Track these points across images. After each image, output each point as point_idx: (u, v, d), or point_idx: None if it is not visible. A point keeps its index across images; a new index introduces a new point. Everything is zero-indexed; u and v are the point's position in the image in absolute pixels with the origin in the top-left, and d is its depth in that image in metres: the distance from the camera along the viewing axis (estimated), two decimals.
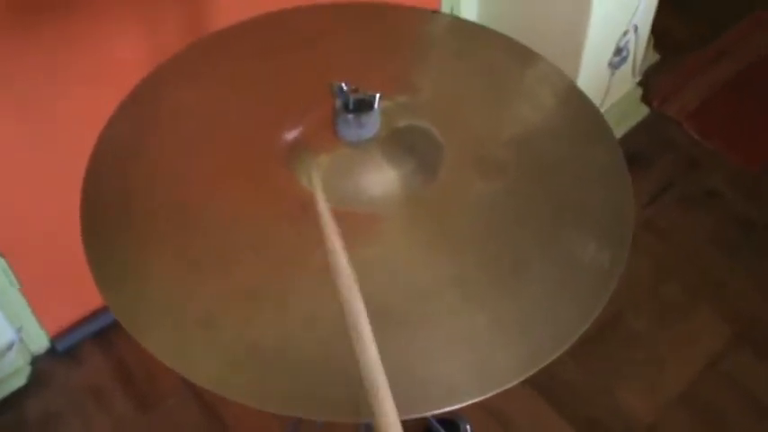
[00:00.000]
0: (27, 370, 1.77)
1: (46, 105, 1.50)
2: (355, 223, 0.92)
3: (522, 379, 0.81)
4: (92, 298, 1.80)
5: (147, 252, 0.91)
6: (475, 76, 1.13)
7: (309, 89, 1.04)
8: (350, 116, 0.93)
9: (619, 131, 2.25)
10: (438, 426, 1.54)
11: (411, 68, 1.16)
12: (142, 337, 0.84)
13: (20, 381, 1.77)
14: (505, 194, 0.98)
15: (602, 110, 2.10)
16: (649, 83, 2.35)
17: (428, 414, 0.80)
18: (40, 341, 1.80)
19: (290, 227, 0.92)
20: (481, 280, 0.89)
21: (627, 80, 2.20)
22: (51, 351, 1.83)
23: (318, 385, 0.81)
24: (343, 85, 0.93)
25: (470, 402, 0.79)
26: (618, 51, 2.03)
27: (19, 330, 1.73)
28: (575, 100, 1.11)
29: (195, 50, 1.15)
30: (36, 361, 1.80)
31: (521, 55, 1.15)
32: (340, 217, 0.90)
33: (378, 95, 0.93)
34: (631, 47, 2.07)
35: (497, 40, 1.18)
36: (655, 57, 2.45)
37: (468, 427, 1.57)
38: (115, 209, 0.95)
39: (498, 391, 0.80)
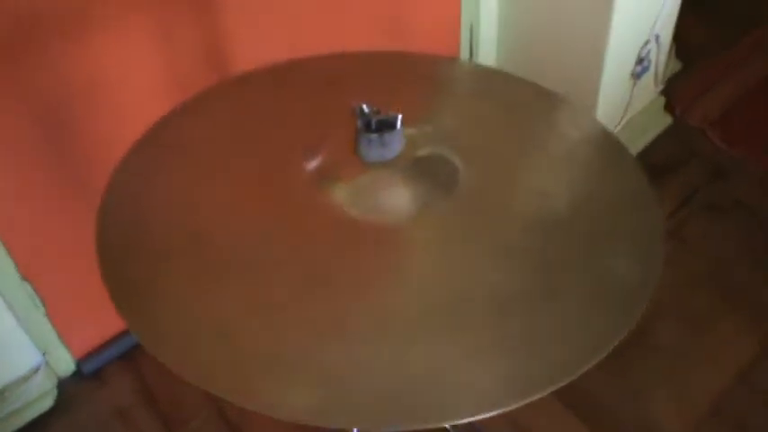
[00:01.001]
0: (53, 393, 1.78)
1: (66, 129, 1.51)
2: (377, 236, 0.93)
3: (551, 390, 0.80)
4: (116, 320, 1.79)
5: (162, 266, 0.92)
6: (496, 111, 1.14)
7: (330, 118, 1.05)
8: (373, 136, 0.92)
9: (642, 141, 2.24)
10: None
11: (431, 113, 1.16)
12: (161, 351, 0.85)
13: (46, 404, 1.77)
14: (531, 220, 0.98)
15: (626, 120, 2.09)
16: (672, 91, 2.33)
17: (457, 423, 0.79)
18: (65, 364, 1.81)
19: (312, 240, 0.93)
20: (515, 291, 0.89)
21: (649, 90, 2.19)
22: (77, 374, 1.83)
23: (343, 394, 0.81)
24: (365, 106, 0.92)
25: (499, 412, 0.79)
26: (640, 61, 2.02)
27: (45, 354, 1.73)
28: (595, 131, 1.12)
29: (216, 89, 1.17)
30: (62, 384, 1.80)
31: (541, 94, 1.16)
32: (363, 230, 0.90)
33: (400, 115, 0.93)
34: (653, 56, 2.06)
35: (516, 83, 1.19)
36: (677, 65, 2.43)
37: None
38: (130, 232, 0.97)
39: (527, 401, 0.79)
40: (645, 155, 2.24)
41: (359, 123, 0.93)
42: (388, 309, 0.87)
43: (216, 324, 0.86)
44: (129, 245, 0.94)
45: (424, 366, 0.82)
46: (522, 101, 1.16)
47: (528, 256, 0.93)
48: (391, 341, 0.84)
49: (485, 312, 0.87)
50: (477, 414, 0.79)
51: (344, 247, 0.92)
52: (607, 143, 1.09)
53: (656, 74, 2.14)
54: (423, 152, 1.00)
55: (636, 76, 2.05)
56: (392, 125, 0.92)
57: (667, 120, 2.33)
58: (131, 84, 1.53)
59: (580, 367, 0.82)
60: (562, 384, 0.81)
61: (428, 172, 0.97)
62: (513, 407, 0.79)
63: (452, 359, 0.83)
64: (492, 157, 1.05)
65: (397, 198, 0.95)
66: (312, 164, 0.99)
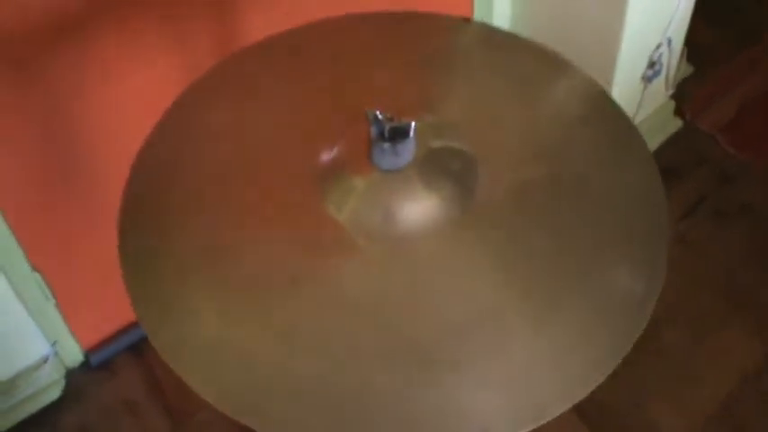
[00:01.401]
0: (61, 383, 1.79)
1: (81, 123, 1.52)
2: (391, 255, 0.93)
3: (557, 414, 0.81)
4: (125, 311, 1.79)
5: (186, 287, 0.92)
6: (508, 89, 1.12)
7: (342, 108, 1.04)
8: (386, 145, 0.93)
9: (652, 145, 2.24)
10: None
11: (443, 80, 1.15)
12: (182, 370, 0.85)
13: (54, 394, 1.78)
14: (540, 216, 0.98)
15: (635, 123, 2.08)
16: (683, 96, 2.33)
17: None
18: (74, 355, 1.82)
19: (327, 260, 0.93)
20: (517, 311, 0.89)
21: (660, 93, 2.19)
22: (85, 365, 1.84)
23: (357, 420, 0.81)
24: (378, 113, 0.93)
25: None
26: (651, 65, 2.02)
27: (54, 344, 1.74)
28: (610, 115, 1.10)
29: (225, 68, 1.16)
30: (70, 374, 1.82)
31: (554, 65, 1.14)
32: (377, 250, 0.91)
33: (413, 123, 0.93)
34: (665, 60, 2.05)
35: (530, 50, 1.17)
36: (688, 69, 2.43)
37: None
38: (152, 238, 0.96)
39: (535, 426, 0.80)
40: (654, 158, 2.24)
41: (372, 132, 0.93)
42: (400, 334, 0.87)
43: (238, 347, 0.87)
44: (152, 254, 0.94)
45: (434, 394, 0.82)
46: (535, 74, 1.14)
47: (530, 273, 0.93)
48: (404, 369, 0.84)
49: (488, 339, 0.87)
50: None
51: (360, 264, 0.92)
52: (624, 133, 1.07)
53: (667, 77, 2.14)
54: (435, 144, 0.99)
55: (647, 79, 2.05)
56: (405, 133, 0.93)
57: (677, 124, 2.33)
58: (140, 74, 1.54)
59: (585, 389, 0.83)
60: (566, 409, 0.82)
61: (443, 173, 0.97)
62: None
63: (456, 391, 0.83)
64: (501, 147, 1.04)
65: (413, 210, 0.95)
66: (327, 162, 0.99)
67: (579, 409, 1.73)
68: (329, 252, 0.93)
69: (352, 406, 0.82)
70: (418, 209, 0.94)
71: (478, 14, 2.06)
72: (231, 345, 0.87)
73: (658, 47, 2.00)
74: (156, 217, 0.98)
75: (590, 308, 0.89)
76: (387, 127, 0.93)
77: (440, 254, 0.94)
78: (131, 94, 1.54)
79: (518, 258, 0.94)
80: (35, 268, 1.62)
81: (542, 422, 0.80)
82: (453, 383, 0.83)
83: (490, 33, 1.31)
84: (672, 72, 2.14)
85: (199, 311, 0.90)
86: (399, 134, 0.93)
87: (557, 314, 0.89)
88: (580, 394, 0.82)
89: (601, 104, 1.12)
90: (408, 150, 0.94)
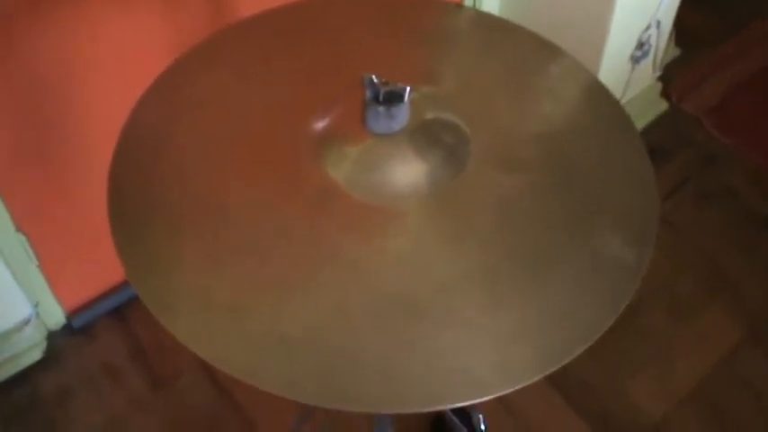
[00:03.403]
0: (42, 345, 1.79)
1: (68, 85, 1.51)
2: (382, 216, 0.93)
3: (545, 374, 0.81)
4: (108, 275, 1.82)
5: (176, 240, 0.92)
6: (500, 69, 1.14)
7: (336, 79, 1.05)
8: (380, 108, 0.93)
9: (638, 125, 2.24)
10: (451, 414, 1.54)
11: (436, 60, 1.16)
12: (171, 323, 0.84)
13: (35, 356, 1.78)
14: (531, 190, 0.98)
15: (622, 103, 2.09)
16: (669, 78, 2.34)
17: (451, 407, 0.81)
18: (56, 317, 1.82)
19: (319, 217, 0.93)
20: (506, 275, 0.89)
21: (647, 74, 2.20)
22: (67, 327, 1.84)
23: (346, 377, 0.81)
24: (374, 77, 0.93)
25: (494, 396, 0.80)
26: (640, 46, 2.03)
27: (36, 306, 1.74)
28: (599, 96, 1.11)
29: (219, 39, 1.15)
30: (51, 337, 1.82)
31: (545, 49, 1.15)
32: (367, 210, 0.91)
33: (408, 88, 0.93)
34: (653, 41, 2.06)
35: (521, 35, 1.18)
36: (676, 51, 2.44)
37: (479, 416, 1.58)
38: (143, 198, 0.96)
39: (522, 385, 0.80)
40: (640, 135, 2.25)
41: (367, 95, 0.93)
42: (390, 291, 0.87)
43: (228, 300, 0.87)
44: (142, 214, 0.94)
45: (424, 351, 0.83)
46: (524, 57, 1.16)
47: (523, 235, 0.93)
48: (392, 326, 0.85)
49: (478, 298, 0.88)
50: (472, 399, 0.80)
51: (352, 224, 0.92)
52: (612, 114, 1.08)
53: (654, 59, 2.15)
54: (428, 116, 1.00)
55: (635, 60, 2.06)
56: (400, 97, 0.93)
57: (663, 106, 2.34)
58: (128, 37, 1.53)
59: (573, 352, 0.83)
60: (554, 369, 0.82)
61: (432, 142, 0.98)
62: (507, 392, 0.80)
63: (450, 344, 0.84)
64: (493, 123, 1.05)
65: (405, 174, 0.95)
66: (320, 127, 0.99)
67: (560, 388, 1.75)
68: (320, 209, 0.93)
69: (341, 361, 0.82)
70: (410, 173, 0.95)
71: None
72: (219, 298, 0.87)
73: (647, 28, 2.01)
74: (147, 176, 0.98)
75: (581, 272, 0.90)
76: (382, 91, 0.93)
77: (431, 216, 0.94)
78: (119, 57, 1.53)
79: (509, 224, 0.94)
80: (19, 229, 1.61)
81: (530, 381, 0.81)
82: (442, 340, 0.84)
83: (482, 18, 1.32)
84: (660, 54, 2.15)
85: (187, 264, 0.90)
86: (394, 98, 0.93)
87: (547, 276, 0.89)
88: (570, 354, 0.83)
89: (590, 87, 1.13)
90: (402, 114, 0.94)
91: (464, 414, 1.60)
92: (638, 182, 1.01)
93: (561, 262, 0.91)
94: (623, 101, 2.12)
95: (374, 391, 0.81)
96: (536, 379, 0.81)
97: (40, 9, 1.38)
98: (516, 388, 0.81)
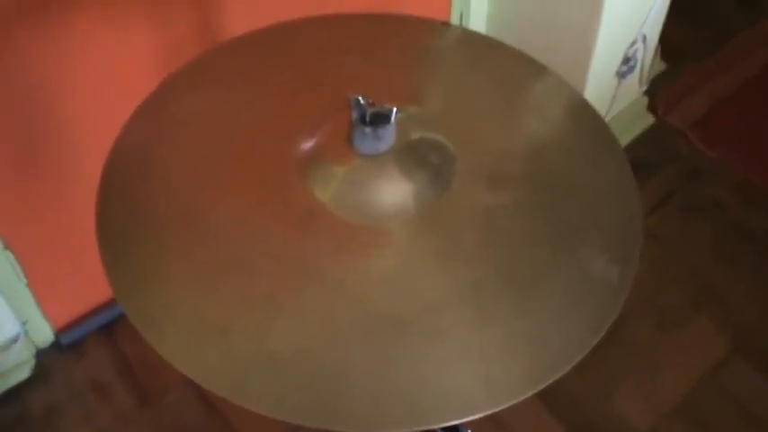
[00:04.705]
0: (31, 363, 1.79)
1: (56, 102, 1.51)
2: (368, 235, 0.94)
3: (533, 392, 0.82)
4: (97, 293, 1.82)
5: (163, 258, 0.92)
6: (485, 88, 1.14)
7: (322, 99, 1.05)
8: (367, 129, 0.94)
9: (624, 140, 2.26)
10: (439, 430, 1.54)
11: (422, 79, 1.17)
12: (158, 342, 0.84)
13: (23, 374, 1.78)
14: (516, 208, 0.99)
15: (608, 118, 2.11)
16: (655, 92, 2.36)
17: (439, 426, 0.81)
18: (44, 335, 1.81)
19: (305, 237, 0.93)
20: (493, 293, 0.90)
21: (633, 89, 2.21)
22: (55, 345, 1.84)
23: (333, 395, 0.82)
24: (360, 98, 0.94)
25: (483, 415, 0.81)
26: (626, 61, 2.04)
27: (24, 323, 1.74)
28: (584, 114, 1.12)
29: (207, 59, 1.16)
30: (40, 354, 1.81)
31: (531, 68, 1.16)
32: (354, 229, 0.92)
33: (395, 109, 0.94)
34: (639, 56, 2.08)
35: (507, 53, 1.19)
36: (661, 66, 2.45)
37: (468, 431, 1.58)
38: (130, 216, 0.96)
39: (510, 404, 0.81)
40: (625, 153, 2.26)
41: (353, 115, 0.94)
42: (377, 310, 0.88)
43: (215, 318, 0.87)
44: (129, 232, 0.94)
45: (412, 369, 0.83)
46: (513, 76, 1.16)
47: (509, 252, 0.94)
48: (380, 344, 0.85)
49: (465, 316, 0.88)
50: (461, 418, 0.81)
51: (339, 243, 0.93)
52: (597, 132, 1.09)
53: (641, 74, 2.16)
54: (414, 136, 1.00)
55: (621, 75, 2.07)
56: (386, 118, 0.94)
57: (649, 120, 2.35)
58: (118, 54, 1.53)
59: (560, 368, 0.84)
60: (541, 387, 0.83)
61: (418, 162, 0.98)
62: (495, 410, 0.81)
63: (437, 363, 0.84)
64: (478, 141, 1.05)
65: (391, 194, 0.96)
66: (307, 147, 1.00)
67: (547, 401, 1.76)
68: (307, 229, 0.94)
69: (329, 380, 0.82)
70: (396, 193, 0.96)
71: (456, 11, 2.08)
72: (206, 315, 0.87)
73: (633, 43, 2.02)
74: (135, 194, 0.98)
75: (567, 288, 0.91)
76: (368, 111, 0.93)
77: (418, 235, 0.95)
78: (107, 75, 1.53)
79: (495, 242, 0.95)
80: (7, 247, 1.61)
81: (518, 399, 0.81)
82: (429, 358, 0.84)
83: (468, 36, 1.33)
84: (646, 68, 2.16)
85: (174, 281, 0.90)
86: (381, 119, 0.93)
87: (533, 293, 0.90)
88: (558, 372, 0.83)
89: (575, 104, 1.14)
90: (389, 135, 0.95)
91: (452, 429, 1.60)
92: (622, 199, 1.01)
93: (547, 278, 0.92)
94: (609, 116, 2.14)
95: (362, 410, 0.81)
96: (524, 397, 0.82)
97: (28, 24, 1.38)
98: (504, 406, 0.81)
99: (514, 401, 0.82)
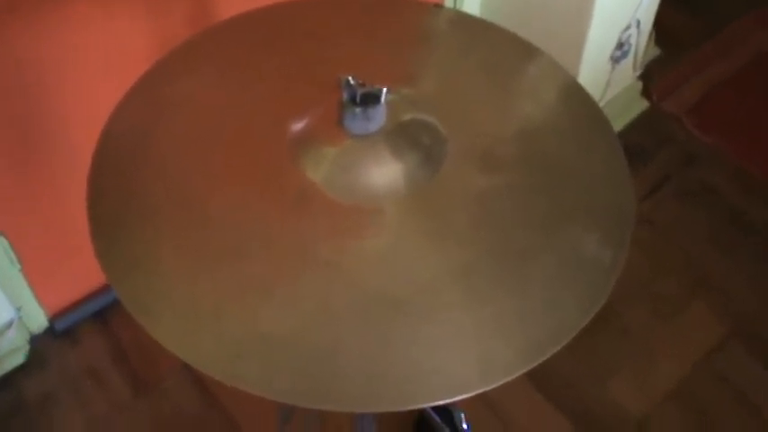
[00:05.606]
0: (25, 349, 1.79)
1: (49, 88, 1.51)
2: (360, 216, 0.94)
3: (524, 371, 0.82)
4: (91, 279, 1.82)
5: (156, 242, 0.92)
6: (478, 70, 1.14)
7: (314, 81, 1.05)
8: (357, 109, 0.93)
9: (618, 125, 2.26)
10: (433, 413, 1.55)
11: (415, 61, 1.16)
12: (152, 326, 0.84)
13: (17, 360, 1.78)
14: (508, 189, 0.99)
15: (602, 103, 2.11)
16: (650, 77, 2.36)
17: (431, 404, 0.81)
18: (38, 321, 1.81)
19: (298, 219, 0.93)
20: (484, 274, 0.90)
21: (627, 74, 2.21)
22: (49, 331, 1.84)
23: (327, 376, 0.82)
24: (351, 78, 0.93)
25: (474, 394, 0.81)
26: (620, 45, 2.04)
27: (19, 310, 1.74)
28: (577, 97, 1.11)
29: (199, 41, 1.15)
30: (34, 340, 1.81)
31: (524, 51, 1.16)
32: (345, 210, 0.92)
33: (385, 89, 0.93)
34: (633, 41, 2.07)
35: (501, 36, 1.18)
36: (656, 51, 2.45)
37: (461, 415, 1.58)
38: (122, 200, 0.96)
39: (501, 383, 0.81)
40: (619, 138, 2.26)
41: (344, 96, 0.94)
42: (371, 291, 0.88)
43: (209, 302, 0.87)
44: (122, 218, 0.94)
45: (405, 349, 0.83)
46: (503, 58, 1.16)
47: (501, 233, 0.94)
48: (373, 325, 0.85)
49: (457, 296, 0.88)
50: (453, 396, 0.81)
51: (331, 224, 0.93)
52: (590, 115, 1.09)
53: (635, 59, 2.16)
54: (405, 117, 1.00)
55: (615, 60, 2.07)
56: (376, 99, 0.93)
57: (643, 105, 2.35)
58: (114, 46, 1.53)
59: (551, 349, 0.84)
60: (532, 366, 0.83)
61: (410, 143, 0.98)
62: (486, 389, 0.81)
63: (430, 342, 0.84)
64: (470, 123, 1.05)
65: (382, 174, 0.96)
66: (298, 128, 0.99)
67: (542, 386, 1.76)
68: (300, 210, 0.94)
69: (323, 361, 0.82)
70: (387, 173, 0.95)
71: None
72: (200, 300, 0.87)
73: (627, 28, 2.02)
74: (127, 179, 0.98)
75: (558, 270, 0.91)
76: (359, 92, 0.93)
77: (409, 215, 0.95)
78: (101, 61, 1.53)
79: (487, 224, 0.95)
80: (1, 232, 1.61)
81: (510, 378, 0.81)
82: (422, 338, 0.84)
83: (462, 19, 1.32)
84: (640, 53, 2.16)
85: (168, 266, 0.90)
86: (371, 99, 0.93)
87: (525, 274, 0.90)
88: (549, 351, 0.83)
89: (568, 87, 1.14)
90: (379, 115, 0.95)
91: (446, 413, 1.60)
92: (614, 182, 1.01)
93: (538, 260, 0.91)
94: (603, 100, 2.14)
95: (355, 390, 0.81)
96: (515, 376, 0.82)
97: (22, 12, 1.38)
98: (496, 385, 0.81)
99: (506, 380, 0.82)
